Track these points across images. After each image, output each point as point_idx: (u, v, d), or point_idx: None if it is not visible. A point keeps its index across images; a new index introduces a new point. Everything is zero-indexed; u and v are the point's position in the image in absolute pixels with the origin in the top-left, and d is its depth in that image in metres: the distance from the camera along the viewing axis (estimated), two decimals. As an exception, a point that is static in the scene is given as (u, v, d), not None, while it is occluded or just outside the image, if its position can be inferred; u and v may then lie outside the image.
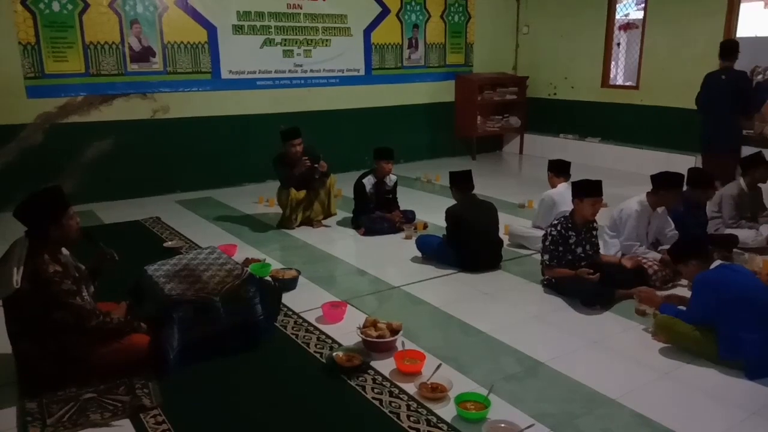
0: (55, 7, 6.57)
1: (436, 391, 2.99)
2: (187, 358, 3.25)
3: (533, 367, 3.32)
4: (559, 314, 4.02)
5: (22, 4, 6.41)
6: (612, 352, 3.51)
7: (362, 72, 8.77)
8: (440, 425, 2.78)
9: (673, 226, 4.73)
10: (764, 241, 5.10)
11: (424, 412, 2.88)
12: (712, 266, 3.44)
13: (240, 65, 7.74)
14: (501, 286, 4.53)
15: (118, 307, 3.41)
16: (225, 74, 7.67)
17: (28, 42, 6.50)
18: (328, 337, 3.65)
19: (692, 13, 7.94)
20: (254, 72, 7.86)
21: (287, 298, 4.12)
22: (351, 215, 6.03)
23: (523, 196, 6.87)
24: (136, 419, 2.83)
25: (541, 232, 4.83)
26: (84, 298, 3.07)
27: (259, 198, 7.03)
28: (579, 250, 4.31)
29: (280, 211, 6.03)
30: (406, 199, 6.30)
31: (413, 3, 9.07)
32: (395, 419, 2.82)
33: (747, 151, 6.47)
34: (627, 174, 8.05)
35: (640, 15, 9.05)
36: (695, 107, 6.76)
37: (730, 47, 6.37)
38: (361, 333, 3.48)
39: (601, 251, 4.58)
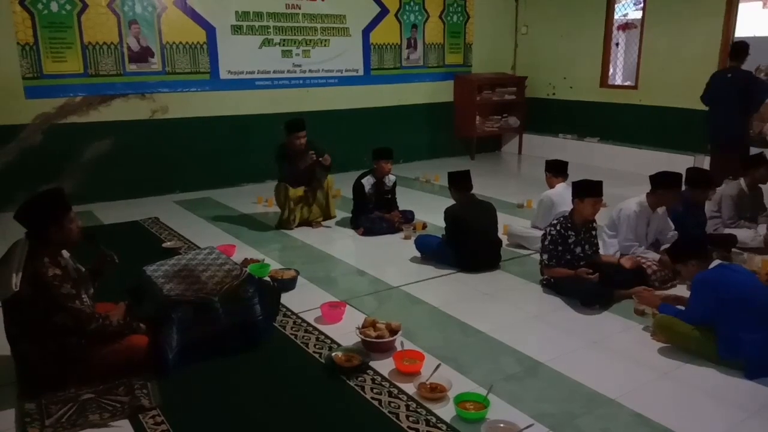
0: (54, 7, 6.56)
1: (436, 391, 2.99)
2: (186, 359, 3.25)
3: (532, 367, 3.32)
4: (559, 314, 4.02)
5: (21, 4, 6.40)
6: (611, 352, 3.51)
7: (361, 72, 8.77)
8: (439, 425, 2.77)
9: (673, 227, 4.73)
10: (763, 241, 5.10)
11: (424, 412, 2.87)
12: (711, 266, 3.44)
13: (239, 65, 7.74)
14: (500, 286, 4.53)
15: (117, 308, 3.40)
16: (224, 74, 7.66)
17: (26, 42, 6.49)
18: (327, 337, 3.65)
19: (691, 13, 7.95)
20: (253, 72, 7.86)
21: (286, 299, 4.11)
22: (350, 215, 6.03)
23: (522, 196, 6.87)
24: (135, 420, 2.83)
25: (539, 232, 4.83)
26: (83, 302, 3.06)
27: (258, 198, 7.02)
28: (578, 249, 4.31)
29: (279, 211, 6.02)
30: (405, 199, 6.30)
31: (412, 3, 9.07)
32: (394, 419, 2.82)
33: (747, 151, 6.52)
34: (626, 174, 8.05)
35: (638, 15, 9.06)
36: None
37: (740, 48, 6.49)
38: (360, 333, 3.47)
39: (600, 251, 4.58)
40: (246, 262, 4.73)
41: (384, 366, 3.29)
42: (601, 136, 9.21)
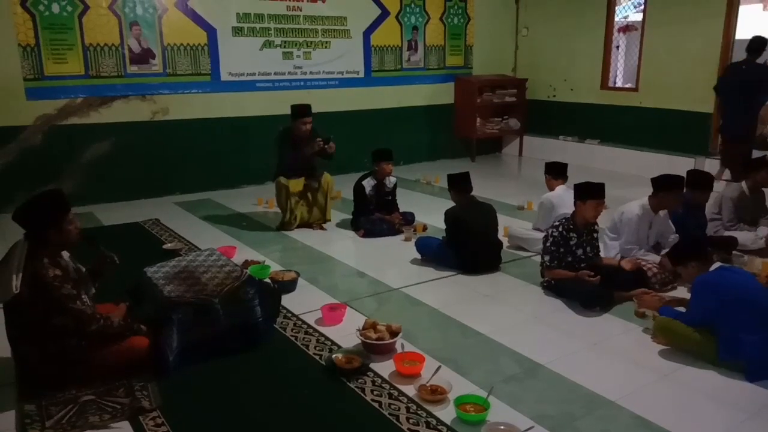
0: (55, 9, 6.57)
1: (436, 393, 2.99)
2: (187, 360, 3.25)
3: (533, 369, 3.32)
4: (559, 316, 4.02)
5: (22, 5, 6.41)
6: (611, 353, 3.51)
7: (362, 74, 8.78)
8: (440, 427, 2.77)
9: (674, 230, 4.73)
10: (764, 243, 5.09)
11: (424, 414, 2.87)
12: (712, 268, 3.44)
13: (239, 67, 7.74)
14: (500, 287, 4.53)
15: (117, 309, 3.40)
16: (225, 76, 7.67)
17: (27, 44, 6.50)
18: (327, 339, 3.65)
19: (691, 15, 7.95)
20: (254, 74, 7.87)
21: (286, 300, 4.11)
22: (350, 217, 6.03)
23: (522, 197, 6.87)
24: (136, 421, 2.83)
25: (540, 234, 4.84)
26: (84, 302, 3.06)
27: (259, 200, 7.03)
28: (579, 251, 4.31)
29: (280, 212, 6.02)
30: (405, 201, 6.30)
31: (413, 5, 9.08)
32: (395, 421, 2.82)
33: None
34: (626, 176, 8.05)
35: (639, 17, 9.06)
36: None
37: (760, 42, 6.89)
38: (361, 335, 3.47)
39: (601, 253, 4.58)
40: (246, 263, 4.73)
41: (384, 368, 3.28)
42: (601, 138, 9.21)
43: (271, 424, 2.86)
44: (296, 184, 5.87)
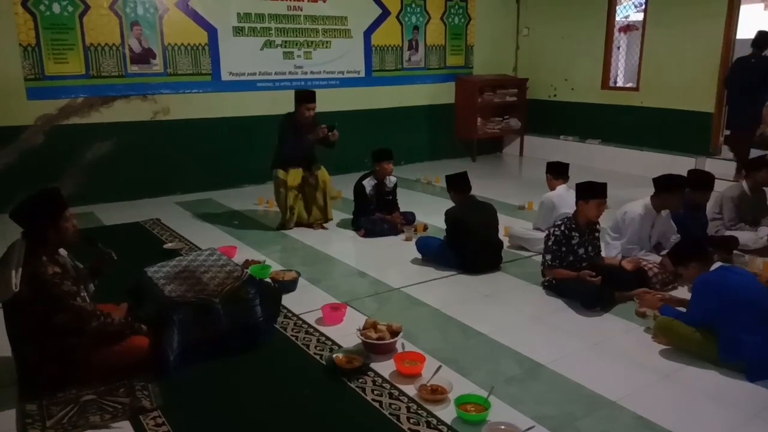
0: (56, 8, 6.57)
1: (436, 393, 2.99)
2: (187, 360, 3.25)
3: (533, 369, 3.32)
4: (560, 316, 4.02)
5: (23, 5, 6.41)
6: (612, 353, 3.50)
7: (362, 74, 8.77)
8: (440, 427, 2.77)
9: (676, 230, 4.72)
10: (765, 243, 5.09)
11: (424, 414, 2.87)
12: (713, 268, 3.44)
13: (240, 67, 7.74)
14: (501, 287, 4.53)
15: (118, 309, 3.41)
16: (225, 76, 7.67)
17: (28, 44, 6.50)
18: (328, 338, 3.65)
19: (692, 15, 7.95)
20: (254, 74, 7.87)
21: (287, 300, 4.11)
22: (351, 217, 6.03)
23: (523, 197, 6.87)
24: (136, 421, 2.83)
25: (541, 234, 4.83)
26: (84, 299, 3.07)
27: (259, 199, 7.03)
28: (581, 251, 4.31)
29: (280, 212, 6.01)
30: (406, 201, 6.30)
31: (413, 5, 9.08)
32: (395, 421, 2.82)
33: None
34: (627, 176, 8.04)
35: (640, 17, 9.05)
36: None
37: (765, 37, 7.15)
38: (361, 335, 3.47)
39: (603, 253, 4.58)
40: (247, 263, 4.73)
41: (385, 368, 3.28)
42: (602, 138, 9.21)
43: (271, 424, 2.86)
44: (294, 177, 5.83)
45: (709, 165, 7.44)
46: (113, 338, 3.12)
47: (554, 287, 4.32)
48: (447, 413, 2.88)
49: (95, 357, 3.07)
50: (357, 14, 8.53)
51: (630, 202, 4.76)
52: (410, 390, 3.06)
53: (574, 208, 4.36)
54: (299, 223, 6.02)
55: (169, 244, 5.44)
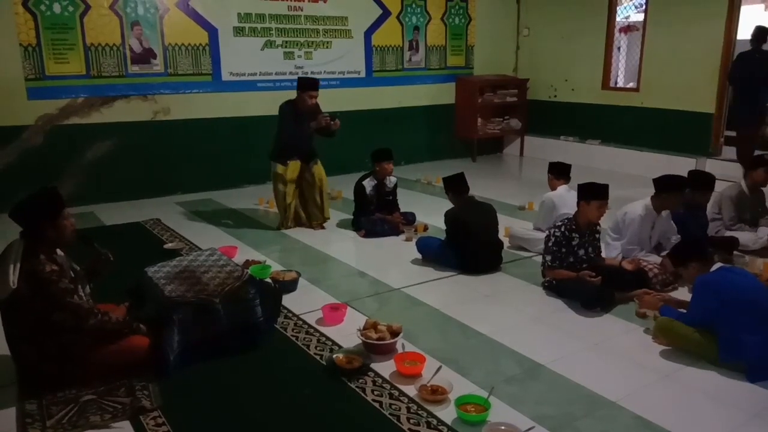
0: (56, 8, 6.58)
1: (437, 394, 2.99)
2: (187, 360, 3.25)
3: (533, 369, 3.32)
4: (560, 316, 4.02)
5: (24, 5, 6.42)
6: (612, 354, 3.50)
7: (363, 74, 8.78)
8: (440, 427, 2.77)
9: (676, 231, 4.72)
10: (765, 243, 5.09)
11: (425, 414, 2.87)
12: (713, 269, 3.44)
13: (241, 67, 7.74)
14: (501, 287, 4.53)
15: (118, 309, 3.40)
16: (226, 76, 7.67)
17: (29, 44, 6.50)
18: (328, 339, 3.65)
19: (692, 16, 7.95)
20: (255, 74, 7.87)
21: (287, 300, 4.12)
22: (351, 217, 6.03)
23: (523, 198, 6.87)
24: (136, 421, 2.83)
25: (541, 234, 4.83)
26: (82, 297, 3.07)
27: (260, 199, 7.03)
28: (581, 252, 4.31)
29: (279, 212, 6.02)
30: (406, 201, 6.30)
31: (414, 5, 9.08)
32: (395, 421, 2.82)
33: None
34: (627, 176, 8.04)
35: (640, 17, 9.05)
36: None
37: (763, 31, 7.23)
38: (361, 335, 3.47)
39: (603, 253, 4.58)
40: (247, 263, 4.73)
41: (385, 368, 3.28)
42: (602, 139, 9.21)
43: (271, 424, 2.86)
44: (293, 169, 5.81)
45: (710, 165, 7.45)
46: (112, 337, 3.12)
47: (554, 287, 4.32)
48: (447, 413, 2.88)
49: (95, 356, 3.07)
50: (357, 14, 8.54)
51: (630, 203, 4.75)
52: (410, 390, 3.06)
53: (575, 208, 4.36)
54: (299, 223, 6.02)
55: (170, 245, 5.44)
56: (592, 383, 3.14)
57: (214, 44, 7.52)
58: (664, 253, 4.52)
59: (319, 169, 5.93)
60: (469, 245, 4.74)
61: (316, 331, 3.77)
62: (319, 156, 5.97)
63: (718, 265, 3.48)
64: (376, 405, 2.95)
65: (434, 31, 9.38)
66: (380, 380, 3.17)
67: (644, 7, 8.67)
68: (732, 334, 3.21)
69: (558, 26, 9.64)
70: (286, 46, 8.02)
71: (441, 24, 9.43)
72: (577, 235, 4.28)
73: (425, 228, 5.85)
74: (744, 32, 7.92)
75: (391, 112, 9.08)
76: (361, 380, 3.17)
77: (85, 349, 3.06)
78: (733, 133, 7.76)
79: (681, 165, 6.98)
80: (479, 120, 9.70)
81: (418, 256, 5.08)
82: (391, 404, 2.96)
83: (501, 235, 5.15)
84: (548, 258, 4.32)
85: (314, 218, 6.02)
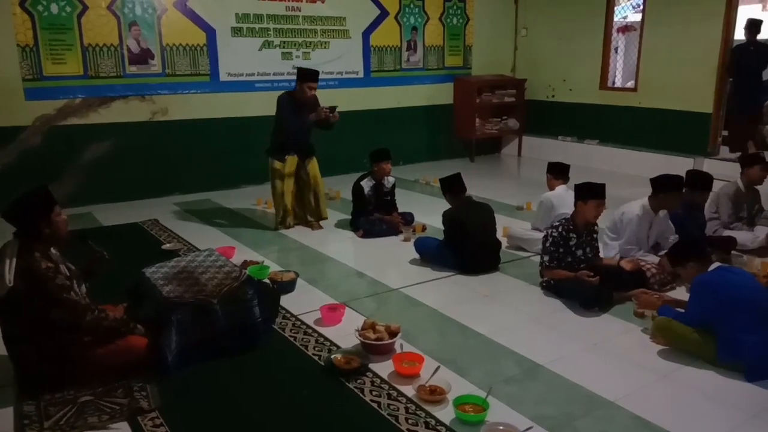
0: (54, 9, 6.57)
1: (435, 394, 2.99)
2: (186, 361, 3.24)
3: (532, 370, 3.32)
4: (558, 316, 4.02)
5: (21, 6, 6.41)
6: (611, 354, 3.51)
7: (361, 74, 8.78)
8: (439, 428, 2.77)
9: (674, 231, 4.73)
10: (763, 242, 5.10)
11: (423, 414, 2.87)
12: (711, 268, 3.44)
13: (239, 67, 7.74)
14: (500, 288, 4.53)
15: (116, 309, 3.40)
16: (224, 76, 7.67)
17: (26, 44, 6.49)
18: (326, 339, 3.65)
19: (690, 16, 7.95)
20: (253, 74, 7.87)
21: (285, 301, 4.11)
22: (349, 217, 6.03)
23: (521, 198, 6.87)
24: (134, 422, 2.82)
25: (539, 234, 4.83)
26: (78, 293, 3.07)
27: (258, 200, 7.02)
28: (579, 252, 4.31)
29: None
30: (404, 202, 6.30)
31: (412, 5, 9.08)
32: (394, 422, 2.82)
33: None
34: (625, 176, 8.04)
35: (638, 17, 9.06)
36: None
37: (754, 24, 7.55)
38: (360, 335, 3.47)
39: (601, 253, 4.58)
40: (245, 264, 4.73)
41: (383, 368, 3.28)
42: (600, 139, 9.21)
43: (269, 425, 2.86)
44: (290, 164, 5.78)
45: (707, 165, 7.46)
46: (109, 335, 3.12)
47: (552, 288, 4.32)
48: (445, 414, 2.88)
49: (93, 357, 3.07)
50: (355, 15, 8.54)
51: (628, 203, 4.75)
52: (409, 390, 3.06)
53: (573, 208, 4.36)
54: (296, 222, 6.01)
55: (168, 245, 5.44)
56: (591, 383, 3.15)
57: (212, 45, 7.51)
58: (662, 253, 4.52)
59: (314, 167, 5.92)
60: (467, 245, 4.74)
61: (315, 331, 3.76)
62: (316, 153, 5.96)
63: (716, 264, 3.49)
64: (375, 405, 2.95)
65: (432, 31, 9.38)
66: (378, 380, 3.17)
67: (642, 7, 8.68)
68: (730, 334, 3.21)
69: (556, 26, 9.64)
70: (283, 47, 8.02)
71: (439, 24, 9.44)
72: (574, 235, 4.28)
73: (423, 228, 5.85)
74: (741, 32, 7.94)
75: (390, 113, 9.07)
76: (359, 380, 3.17)
77: (83, 349, 3.05)
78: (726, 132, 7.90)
79: (679, 165, 6.98)
80: (477, 120, 9.70)
81: (417, 256, 5.08)
82: (389, 404, 2.95)
83: (499, 235, 5.15)
84: (546, 258, 4.32)
85: (311, 215, 6.00)
